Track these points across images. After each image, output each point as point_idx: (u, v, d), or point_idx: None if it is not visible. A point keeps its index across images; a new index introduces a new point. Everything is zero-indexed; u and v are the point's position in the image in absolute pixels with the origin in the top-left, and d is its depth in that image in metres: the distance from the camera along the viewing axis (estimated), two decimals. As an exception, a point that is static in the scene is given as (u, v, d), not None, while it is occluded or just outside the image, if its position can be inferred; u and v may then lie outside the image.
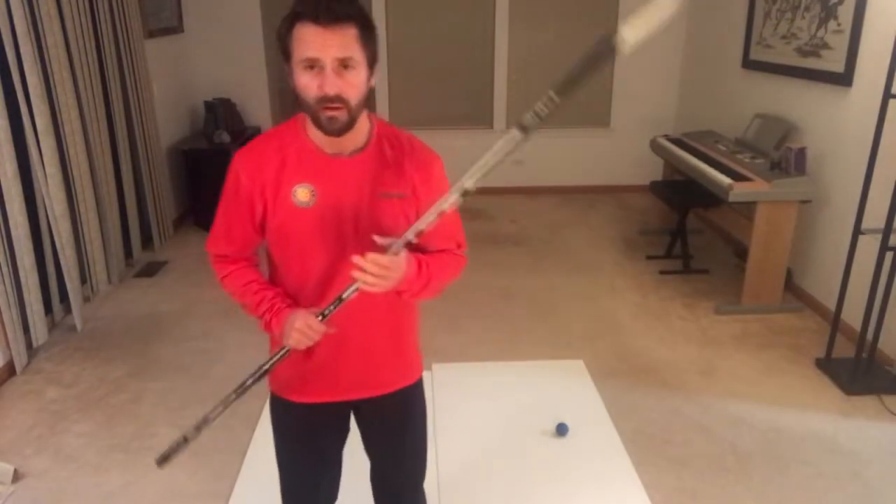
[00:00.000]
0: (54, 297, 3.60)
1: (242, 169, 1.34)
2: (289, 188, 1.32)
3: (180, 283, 4.13)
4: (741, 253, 4.17)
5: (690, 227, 4.49)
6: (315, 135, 1.32)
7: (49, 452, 2.60)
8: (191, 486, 2.37)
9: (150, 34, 4.73)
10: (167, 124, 5.02)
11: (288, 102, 5.82)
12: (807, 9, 3.79)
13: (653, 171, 5.38)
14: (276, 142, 1.35)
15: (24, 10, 3.20)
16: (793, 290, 3.90)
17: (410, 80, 5.78)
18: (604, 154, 6.00)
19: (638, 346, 3.38)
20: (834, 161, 3.56)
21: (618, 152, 5.97)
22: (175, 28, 5.26)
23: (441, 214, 1.24)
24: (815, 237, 3.73)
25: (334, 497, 1.66)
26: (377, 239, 1.27)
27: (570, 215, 5.45)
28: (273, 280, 1.45)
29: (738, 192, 3.49)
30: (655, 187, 4.60)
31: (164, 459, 1.41)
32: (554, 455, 2.56)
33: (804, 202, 3.59)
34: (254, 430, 2.65)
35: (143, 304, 3.87)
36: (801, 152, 3.58)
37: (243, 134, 5.30)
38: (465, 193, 1.24)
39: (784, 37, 4.04)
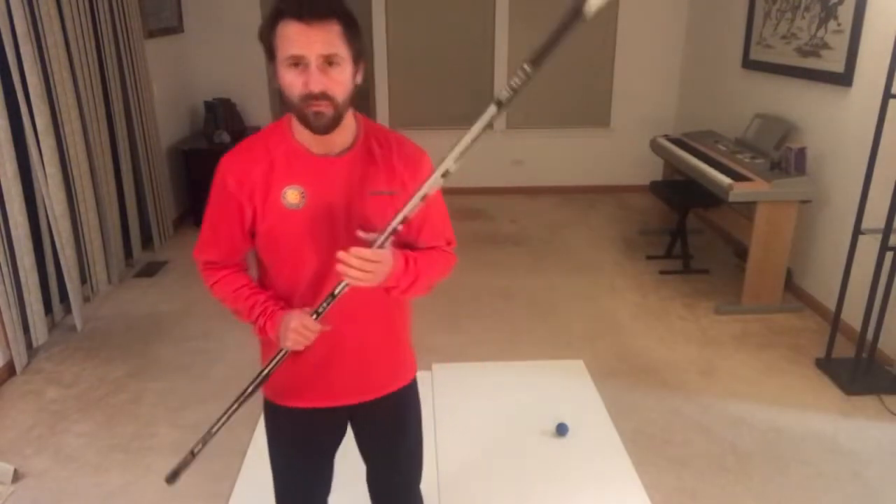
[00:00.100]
0: (54, 297, 3.60)
1: (229, 173, 1.32)
2: (278, 191, 1.31)
3: (180, 283, 4.13)
4: (741, 253, 4.17)
5: (690, 227, 4.49)
6: (302, 136, 1.31)
7: (49, 452, 2.60)
8: (191, 487, 2.37)
9: (150, 34, 4.73)
10: (167, 124, 5.02)
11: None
12: (807, 9, 3.79)
13: (653, 171, 5.38)
14: (262, 144, 1.33)
15: (24, 10, 3.20)
16: (793, 290, 3.90)
17: (410, 80, 5.78)
18: (604, 154, 6.00)
19: (638, 346, 3.38)
20: (834, 161, 3.56)
21: (618, 152, 5.97)
22: (175, 28, 5.26)
23: (426, 198, 1.24)
24: (815, 237, 3.73)
25: (325, 501, 1.66)
26: (360, 234, 1.27)
27: (570, 215, 5.45)
28: (263, 284, 1.43)
29: (738, 192, 3.49)
30: (655, 187, 4.60)
31: (173, 476, 1.41)
32: (554, 455, 2.56)
33: (804, 202, 3.59)
34: (254, 430, 2.65)
35: (143, 304, 3.87)
36: (801, 152, 3.58)
37: (243, 134, 5.30)
38: (446, 174, 1.23)
39: (784, 37, 4.04)
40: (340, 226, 1.32)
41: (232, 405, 1.37)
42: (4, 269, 3.05)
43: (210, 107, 5.28)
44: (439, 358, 3.18)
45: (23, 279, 3.22)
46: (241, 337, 3.38)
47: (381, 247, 1.25)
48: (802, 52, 3.84)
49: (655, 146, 4.85)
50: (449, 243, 1.49)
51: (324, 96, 1.20)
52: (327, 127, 1.24)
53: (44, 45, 3.41)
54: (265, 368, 1.35)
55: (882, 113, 2.77)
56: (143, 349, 3.37)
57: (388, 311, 1.45)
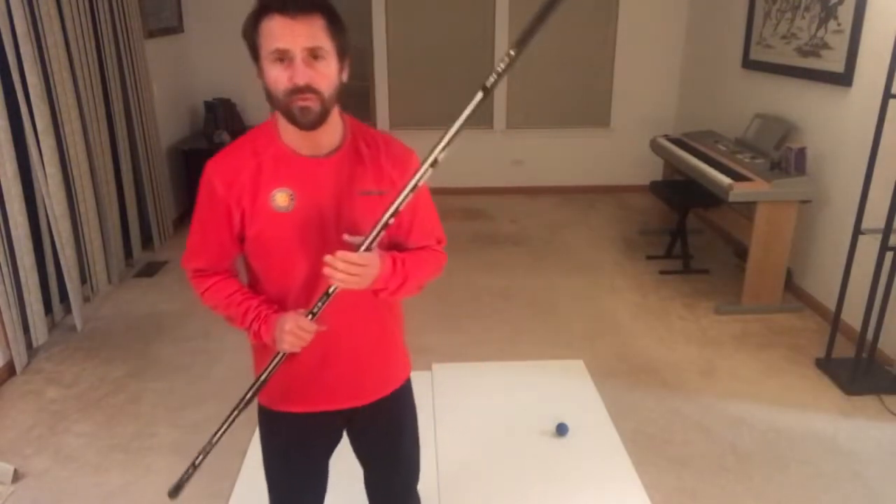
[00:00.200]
0: (54, 297, 3.60)
1: (217, 177, 1.31)
2: (267, 194, 1.29)
3: (180, 283, 4.13)
4: (741, 253, 4.17)
5: (690, 227, 4.50)
6: (289, 137, 1.30)
7: (49, 452, 2.60)
8: (191, 486, 2.36)
9: (150, 34, 4.73)
10: (167, 124, 5.02)
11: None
12: (807, 9, 3.79)
13: (653, 171, 5.38)
14: (249, 147, 1.32)
15: (24, 10, 3.20)
16: (793, 290, 3.90)
17: (410, 80, 5.78)
18: (604, 154, 6.00)
19: (638, 346, 3.38)
20: (834, 161, 3.56)
21: (618, 152, 5.97)
22: (175, 28, 5.26)
23: (416, 189, 1.23)
24: (815, 237, 3.73)
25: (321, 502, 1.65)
26: (346, 238, 1.26)
27: (570, 215, 5.45)
28: (254, 290, 1.42)
29: (738, 192, 3.49)
30: (655, 187, 4.60)
31: (176, 490, 1.39)
32: (554, 455, 2.56)
33: (804, 202, 3.59)
34: (254, 430, 2.65)
35: (143, 304, 3.87)
36: (801, 152, 3.58)
37: (243, 133, 5.31)
38: (435, 164, 1.23)
39: (784, 37, 4.04)
40: (330, 227, 1.31)
41: (231, 413, 1.35)
42: (4, 269, 3.05)
43: (210, 107, 5.28)
44: (439, 358, 3.18)
45: (23, 279, 3.22)
46: (240, 337, 3.36)
47: (368, 249, 1.25)
48: (802, 52, 3.84)
49: (655, 146, 4.85)
50: (439, 242, 1.49)
51: (309, 89, 1.19)
52: (314, 122, 1.23)
53: (44, 45, 3.41)
54: (263, 373, 1.33)
55: (882, 113, 2.77)
56: (143, 349, 3.37)
57: (379, 313, 1.44)
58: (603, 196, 5.92)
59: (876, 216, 2.93)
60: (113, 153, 4.17)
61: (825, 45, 3.61)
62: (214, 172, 1.32)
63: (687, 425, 2.75)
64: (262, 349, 1.40)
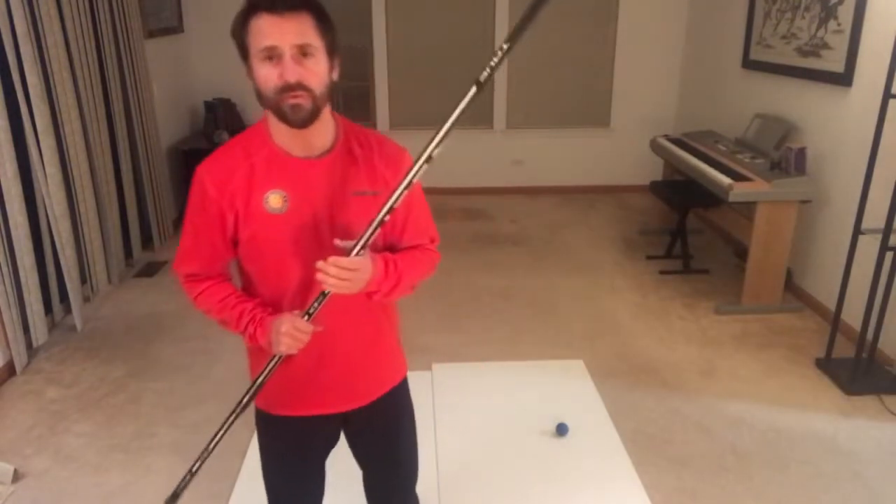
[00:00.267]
0: (54, 297, 3.60)
1: (209, 180, 1.30)
2: (260, 195, 1.28)
3: (180, 284, 4.13)
4: (741, 253, 4.17)
5: (690, 227, 4.49)
6: (282, 139, 1.30)
7: (49, 452, 2.60)
8: (190, 487, 2.36)
9: (150, 34, 4.73)
10: (167, 124, 5.02)
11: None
12: (807, 9, 3.79)
13: (653, 171, 5.38)
14: (241, 149, 1.31)
15: (24, 10, 3.20)
16: (793, 290, 3.90)
17: (410, 80, 5.78)
18: (604, 154, 6.00)
19: (638, 346, 3.38)
20: (834, 161, 3.56)
21: (618, 152, 5.97)
22: (175, 28, 5.26)
23: (410, 185, 1.24)
24: (815, 237, 3.73)
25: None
26: (337, 242, 1.26)
27: (570, 215, 5.45)
28: (248, 294, 1.41)
29: (738, 192, 3.49)
30: (655, 187, 4.60)
31: (174, 498, 1.38)
32: (554, 455, 2.56)
33: (804, 202, 3.59)
34: (253, 431, 2.64)
35: (143, 304, 3.87)
36: (801, 152, 3.58)
37: (243, 134, 5.31)
38: (430, 160, 1.24)
39: (784, 37, 4.04)
40: (325, 228, 1.31)
41: (228, 418, 1.34)
42: (4, 269, 3.05)
43: (210, 107, 5.28)
44: (439, 358, 3.18)
45: (23, 279, 3.22)
46: (240, 337, 3.38)
47: (359, 252, 1.24)
48: (802, 52, 3.84)
49: (655, 146, 4.85)
50: (433, 241, 1.49)
51: (300, 86, 1.19)
52: (305, 120, 1.23)
53: (44, 45, 3.41)
54: (259, 377, 1.32)
55: (882, 113, 2.77)
56: (143, 349, 3.37)
57: (373, 314, 1.43)
58: (603, 196, 5.92)
59: (876, 216, 2.93)
60: (113, 153, 4.17)
61: (825, 45, 3.61)
62: (206, 175, 1.30)
63: (687, 425, 2.75)
64: (258, 352, 1.38)
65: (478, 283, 4.08)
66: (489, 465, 2.50)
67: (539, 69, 5.76)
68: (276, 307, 1.36)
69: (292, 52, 1.18)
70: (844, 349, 3.18)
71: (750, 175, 3.61)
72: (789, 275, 3.81)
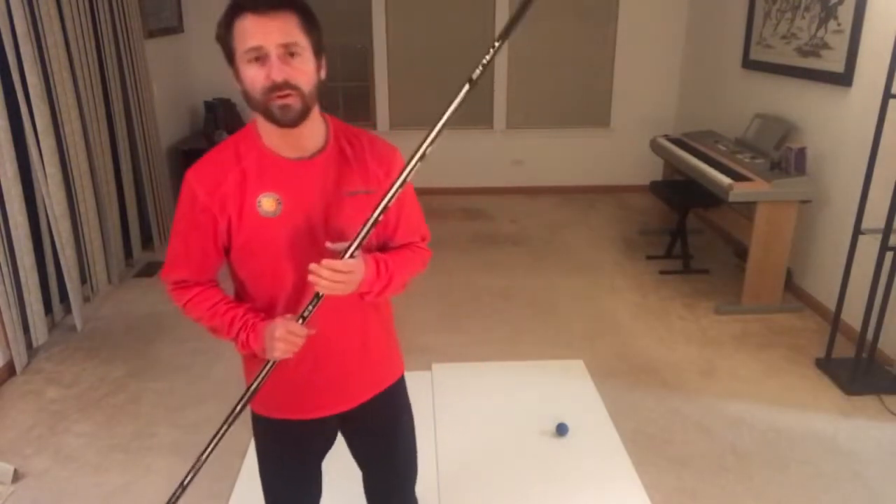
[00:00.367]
0: (54, 297, 3.60)
1: (199, 185, 1.27)
2: (253, 199, 1.27)
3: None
4: (741, 253, 4.17)
5: (690, 227, 4.49)
6: (272, 141, 1.28)
7: (49, 452, 2.60)
8: (190, 487, 2.36)
9: (150, 34, 4.73)
10: (167, 124, 5.03)
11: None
12: (807, 9, 3.79)
13: (653, 171, 5.38)
14: (232, 153, 1.29)
15: (24, 10, 3.20)
16: (793, 290, 3.90)
17: (410, 80, 5.78)
18: (604, 154, 6.00)
19: (638, 346, 3.38)
20: (834, 161, 3.56)
21: (618, 152, 5.97)
22: (175, 28, 5.26)
23: (405, 183, 1.24)
24: (815, 237, 3.73)
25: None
26: (329, 245, 1.25)
27: (570, 215, 5.45)
28: (241, 300, 1.40)
29: (738, 192, 3.49)
30: (655, 187, 4.60)
31: None
32: (554, 455, 2.56)
33: (804, 202, 3.59)
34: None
35: (143, 304, 3.87)
36: (801, 152, 3.58)
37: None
38: (423, 158, 1.24)
39: (784, 37, 4.04)
40: (319, 230, 1.30)
41: (221, 428, 1.32)
42: (4, 269, 3.05)
43: (210, 107, 5.28)
44: (439, 358, 3.18)
45: (23, 279, 3.22)
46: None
47: (352, 254, 1.24)
48: (802, 52, 3.84)
49: (655, 146, 4.85)
50: (423, 238, 1.49)
51: (288, 86, 1.18)
52: (295, 120, 1.22)
53: (44, 45, 3.41)
54: (252, 384, 1.31)
55: (882, 113, 2.77)
56: (143, 349, 3.37)
57: (365, 314, 1.42)
58: (603, 196, 5.92)
59: (876, 216, 2.93)
60: (113, 153, 4.17)
61: (825, 45, 3.61)
62: (196, 180, 1.28)
63: (687, 425, 2.75)
64: (253, 357, 1.38)
65: (478, 283, 4.08)
66: (489, 465, 2.50)
67: (539, 69, 5.76)
68: (269, 311, 1.34)
69: (278, 51, 1.17)
70: (844, 349, 3.18)
71: (750, 175, 3.61)
72: (789, 275, 3.81)
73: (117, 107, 4.20)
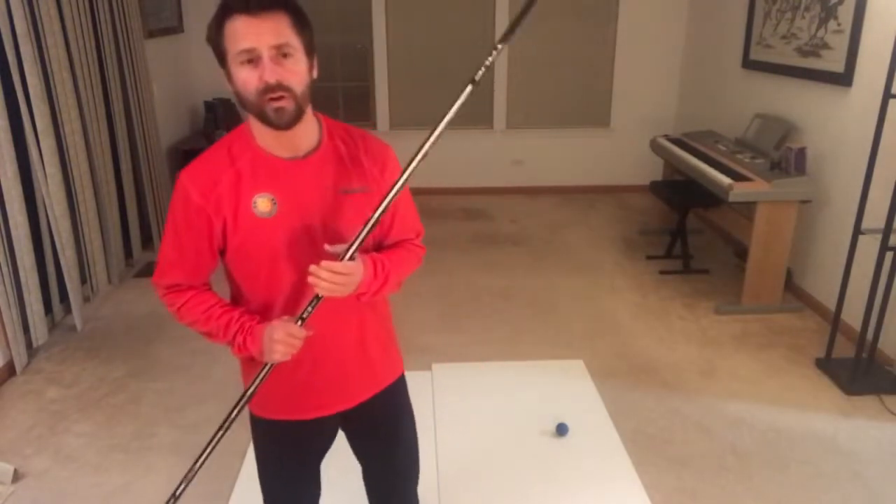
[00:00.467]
0: (54, 297, 3.60)
1: (193, 186, 1.26)
2: (248, 200, 1.26)
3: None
4: (741, 253, 4.17)
5: (690, 227, 4.50)
6: (266, 141, 1.28)
7: (49, 452, 2.60)
8: (190, 487, 2.36)
9: (150, 34, 4.73)
10: (167, 124, 5.03)
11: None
12: (807, 9, 3.79)
13: (653, 171, 5.38)
14: (225, 154, 1.28)
15: (24, 10, 3.20)
16: (793, 290, 3.90)
17: (410, 80, 5.79)
18: (604, 154, 6.00)
19: (638, 346, 3.38)
20: (834, 161, 3.56)
21: (618, 152, 5.97)
22: (175, 28, 5.26)
23: (405, 184, 1.24)
24: (815, 237, 3.73)
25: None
26: (328, 248, 1.25)
27: (570, 215, 5.45)
28: (237, 302, 1.38)
29: (738, 192, 3.49)
30: (655, 187, 4.60)
31: None
32: (554, 455, 2.56)
33: (804, 202, 3.59)
34: (254, 430, 2.65)
35: (143, 304, 3.87)
36: (801, 152, 3.58)
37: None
38: (426, 156, 1.25)
39: (784, 37, 4.04)
40: (315, 229, 1.29)
41: (216, 434, 1.31)
42: (4, 269, 3.05)
43: (210, 107, 5.28)
44: (439, 358, 3.18)
45: (23, 279, 3.22)
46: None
47: (351, 256, 1.24)
48: (802, 52, 3.84)
49: (655, 146, 4.85)
50: (418, 235, 1.49)
51: (281, 87, 1.17)
52: (289, 122, 1.21)
53: (44, 45, 3.41)
54: (251, 386, 1.30)
55: (882, 113, 2.77)
56: (143, 349, 3.37)
57: (363, 314, 1.42)
58: (603, 196, 5.92)
59: (876, 216, 2.93)
60: (113, 153, 4.17)
61: (825, 45, 3.61)
62: (190, 182, 1.27)
63: (687, 425, 2.75)
64: (251, 359, 1.37)
65: (478, 283, 4.08)
66: (489, 465, 2.50)
67: (539, 69, 5.76)
68: (266, 313, 1.34)
69: (270, 52, 1.16)
70: (844, 349, 3.18)
71: (750, 175, 3.61)
72: (789, 275, 3.81)
73: (117, 107, 4.20)
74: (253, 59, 1.17)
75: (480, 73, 1.20)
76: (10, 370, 3.12)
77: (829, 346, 3.14)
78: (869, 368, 3.02)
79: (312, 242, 1.29)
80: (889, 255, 2.84)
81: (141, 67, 4.46)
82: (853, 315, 3.20)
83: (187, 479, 1.34)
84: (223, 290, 1.43)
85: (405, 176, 1.24)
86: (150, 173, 4.60)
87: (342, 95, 5.95)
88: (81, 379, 3.11)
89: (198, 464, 1.33)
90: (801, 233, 3.75)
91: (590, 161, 6.01)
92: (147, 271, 4.32)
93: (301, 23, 1.21)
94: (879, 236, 2.82)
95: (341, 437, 1.59)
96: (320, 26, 5.68)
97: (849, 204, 3.35)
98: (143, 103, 4.48)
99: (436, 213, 5.28)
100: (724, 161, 3.93)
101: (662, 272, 4.26)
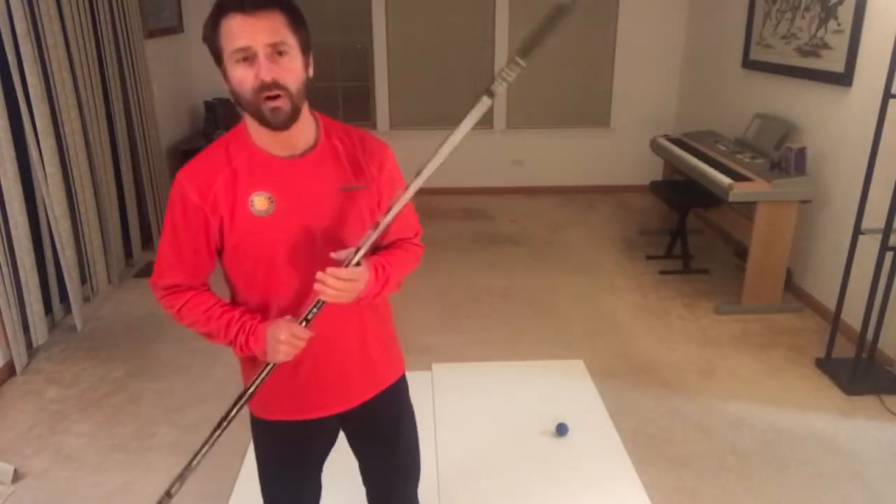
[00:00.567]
0: (54, 297, 3.60)
1: (190, 186, 1.26)
2: (245, 199, 1.26)
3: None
4: (741, 253, 4.17)
5: (690, 227, 4.49)
6: (262, 140, 1.28)
7: (49, 452, 2.60)
8: (191, 487, 2.35)
9: (150, 34, 4.73)
10: (167, 124, 5.03)
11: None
12: (807, 9, 3.79)
13: (653, 171, 5.38)
14: (222, 153, 1.28)
15: (24, 10, 3.20)
16: (793, 290, 3.90)
17: (410, 80, 5.79)
18: (604, 154, 6.00)
19: (638, 346, 3.38)
20: (834, 161, 3.56)
21: (618, 152, 5.97)
22: (175, 28, 5.26)
23: (406, 189, 1.24)
24: (815, 237, 3.73)
25: None
26: (333, 255, 1.24)
27: (570, 215, 5.45)
28: (234, 303, 1.38)
29: (738, 192, 3.49)
30: (655, 187, 4.60)
31: None
32: (554, 455, 2.56)
33: (804, 202, 3.59)
34: (254, 430, 2.65)
35: (143, 304, 3.87)
36: (801, 152, 3.58)
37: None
38: (436, 167, 1.24)
39: (784, 37, 4.04)
40: (313, 227, 1.29)
41: (213, 432, 1.30)
42: (4, 269, 3.05)
43: (210, 107, 5.28)
44: (439, 358, 3.18)
45: (23, 279, 3.22)
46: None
47: (357, 263, 1.24)
48: (802, 52, 3.84)
49: (655, 146, 4.85)
50: (417, 234, 1.49)
51: (276, 86, 1.17)
52: (286, 122, 1.21)
53: (44, 45, 3.41)
54: (251, 386, 1.30)
55: (882, 113, 2.77)
56: (143, 349, 3.37)
57: (363, 315, 1.42)
58: (603, 196, 5.92)
59: (876, 216, 2.93)
60: (113, 153, 4.17)
61: (825, 45, 3.61)
62: (187, 181, 1.27)
63: (687, 425, 2.75)
64: (252, 359, 1.37)
65: (478, 283, 4.08)
66: (489, 465, 2.50)
67: (539, 69, 5.76)
68: (264, 313, 1.34)
69: (266, 51, 1.16)
70: (844, 349, 3.18)
71: (750, 175, 3.61)
72: (789, 275, 3.81)
73: (117, 107, 4.20)
74: (248, 58, 1.17)
75: (497, 85, 1.19)
76: (10, 370, 3.12)
77: (829, 346, 3.14)
78: (869, 368, 3.02)
79: (310, 241, 1.29)
80: (889, 255, 2.84)
81: (141, 67, 4.46)
82: (853, 315, 3.20)
83: (182, 477, 1.33)
84: (222, 291, 1.43)
85: (416, 183, 1.23)
86: (150, 173, 4.60)
87: (342, 95, 5.95)
88: (81, 379, 3.11)
89: (193, 462, 1.32)
90: (801, 233, 3.75)
91: (590, 161, 6.01)
92: (147, 271, 4.32)
93: (296, 21, 1.21)
94: (879, 236, 2.82)
95: (341, 437, 1.59)
96: (320, 26, 5.69)
97: (849, 204, 3.35)
98: (143, 103, 4.48)
99: (436, 213, 5.28)
100: (724, 161, 3.93)
101: (662, 272, 4.26)
